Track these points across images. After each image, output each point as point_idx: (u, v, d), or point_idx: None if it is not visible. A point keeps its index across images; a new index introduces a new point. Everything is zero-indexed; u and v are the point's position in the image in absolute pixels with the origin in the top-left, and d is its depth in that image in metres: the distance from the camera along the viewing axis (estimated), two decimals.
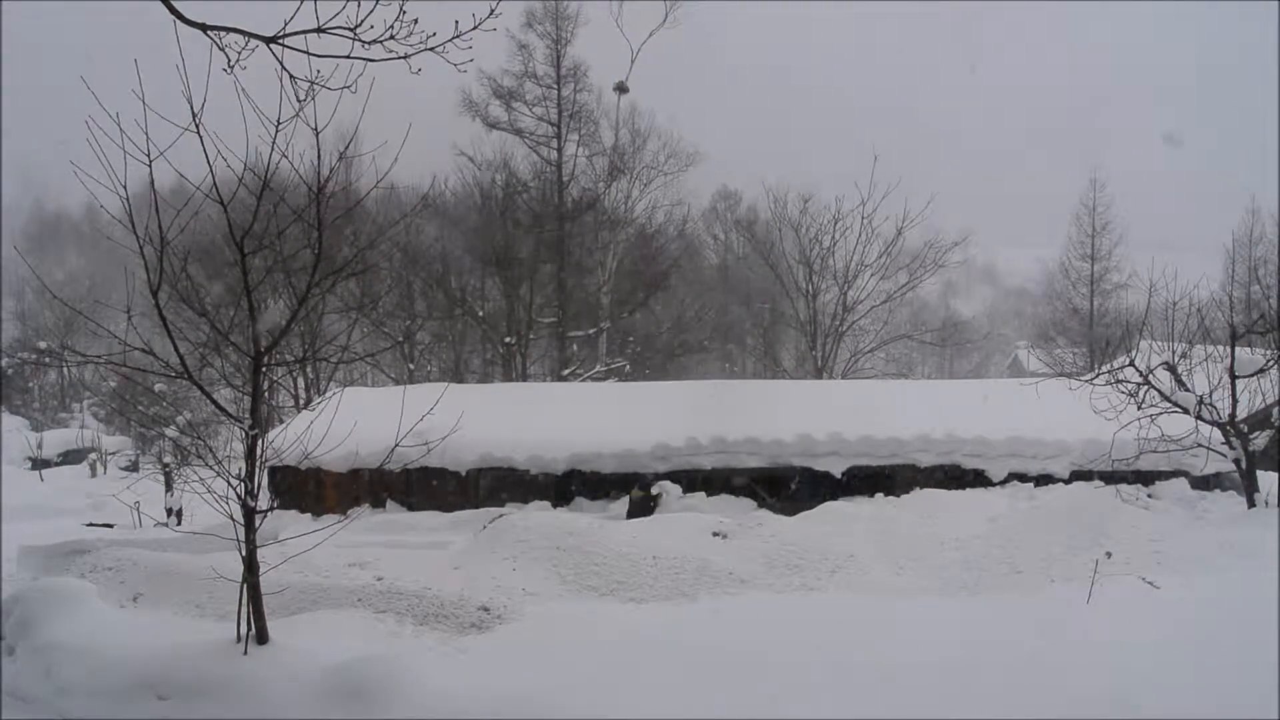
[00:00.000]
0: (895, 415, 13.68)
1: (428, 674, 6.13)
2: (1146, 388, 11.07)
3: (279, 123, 5.98)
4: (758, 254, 37.11)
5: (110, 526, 14.87)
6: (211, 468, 6.85)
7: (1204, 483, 12.06)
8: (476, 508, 12.64)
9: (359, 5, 5.53)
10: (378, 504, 13.21)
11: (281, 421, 18.53)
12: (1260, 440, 10.44)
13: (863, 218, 31.00)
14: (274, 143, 6.04)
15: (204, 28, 5.63)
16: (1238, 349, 10.75)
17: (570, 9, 32.09)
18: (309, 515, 12.65)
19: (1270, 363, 10.70)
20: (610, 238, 32.84)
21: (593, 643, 6.81)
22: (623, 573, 8.69)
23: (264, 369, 6.83)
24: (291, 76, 5.82)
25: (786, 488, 13.12)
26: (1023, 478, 12.92)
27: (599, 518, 11.30)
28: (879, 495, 12.55)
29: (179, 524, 14.32)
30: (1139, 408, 11.04)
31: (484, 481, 13.31)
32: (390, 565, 9.07)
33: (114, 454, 28.78)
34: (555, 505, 12.90)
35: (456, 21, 5.85)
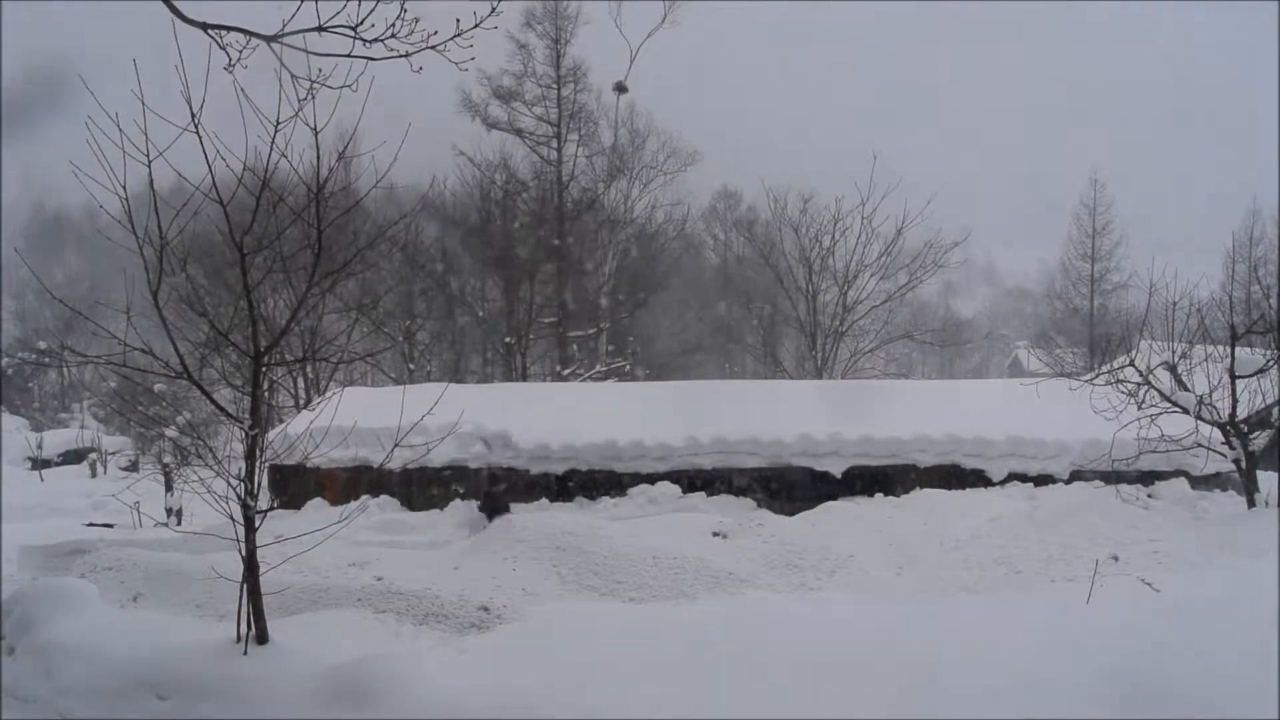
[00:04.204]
0: (895, 415, 13.67)
1: (428, 674, 6.13)
2: (1146, 388, 11.07)
3: (279, 122, 5.97)
4: (758, 254, 37.07)
5: (110, 526, 14.86)
6: (211, 468, 6.85)
7: (1204, 483, 12.05)
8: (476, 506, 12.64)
9: (360, 4, 5.55)
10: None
11: (281, 421, 18.53)
12: (1260, 440, 10.44)
13: (863, 218, 30.97)
14: (273, 142, 6.04)
15: (204, 27, 5.64)
16: (1238, 349, 10.76)
17: (570, 9, 32.13)
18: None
19: (1270, 363, 10.70)
20: (610, 238, 32.83)
21: (593, 642, 6.81)
22: (623, 573, 8.69)
23: (264, 369, 6.83)
24: (292, 75, 5.82)
25: (787, 488, 13.11)
26: (1023, 478, 12.90)
27: (599, 517, 11.30)
28: (879, 495, 12.55)
29: (179, 524, 14.31)
30: (1139, 408, 11.04)
31: (484, 481, 13.31)
32: (390, 565, 9.07)
33: (114, 454, 28.72)
34: (554, 503, 12.90)
35: (457, 20, 5.86)
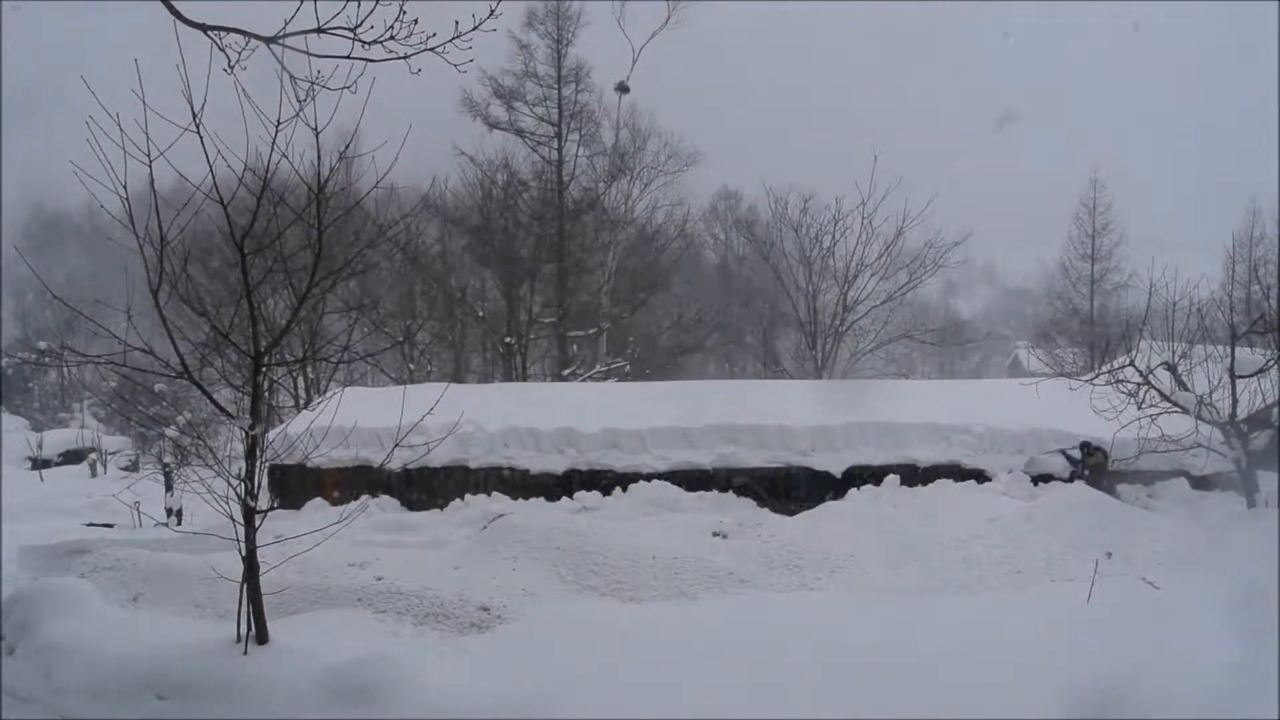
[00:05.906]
0: (895, 415, 13.66)
1: (428, 674, 6.13)
2: (1146, 388, 11.07)
3: (279, 123, 5.98)
4: (758, 254, 37.06)
5: (110, 526, 14.86)
6: (211, 468, 6.86)
7: (1204, 483, 12.04)
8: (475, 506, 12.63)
9: (359, 5, 5.55)
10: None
11: (282, 421, 18.53)
12: (1260, 440, 10.44)
13: (863, 218, 30.95)
14: (274, 143, 6.06)
15: (204, 28, 5.64)
16: (1238, 349, 10.76)
17: (572, 9, 32.08)
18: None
19: (1270, 363, 10.70)
20: (610, 238, 32.82)
21: (593, 643, 6.82)
22: (623, 573, 8.69)
23: (264, 369, 6.84)
24: (292, 76, 5.83)
25: (786, 488, 13.11)
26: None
27: (599, 517, 11.31)
28: (879, 495, 12.52)
29: (179, 524, 14.32)
30: (1139, 408, 11.04)
31: (484, 481, 13.32)
32: (390, 565, 9.07)
33: (114, 454, 28.69)
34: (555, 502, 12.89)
35: (457, 22, 5.86)
